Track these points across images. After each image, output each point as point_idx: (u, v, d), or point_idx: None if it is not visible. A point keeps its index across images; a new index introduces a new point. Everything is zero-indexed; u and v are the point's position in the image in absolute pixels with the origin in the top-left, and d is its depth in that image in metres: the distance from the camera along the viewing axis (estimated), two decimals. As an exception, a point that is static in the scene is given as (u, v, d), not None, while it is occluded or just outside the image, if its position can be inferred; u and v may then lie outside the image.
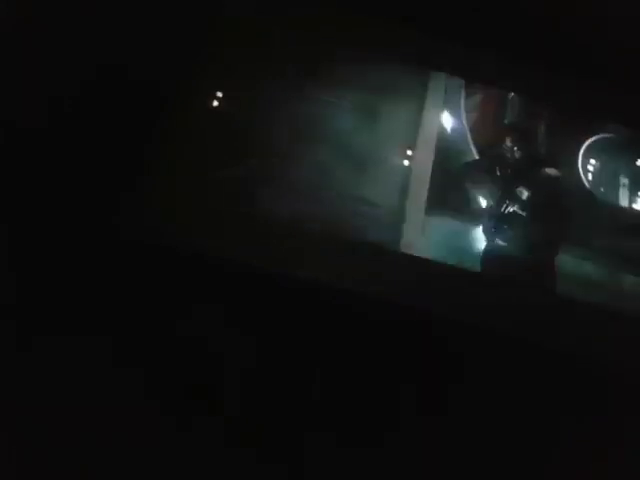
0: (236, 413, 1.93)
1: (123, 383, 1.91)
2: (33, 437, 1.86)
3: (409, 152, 2.31)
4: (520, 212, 2.27)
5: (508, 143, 2.33)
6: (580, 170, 2.42)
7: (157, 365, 1.93)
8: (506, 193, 2.29)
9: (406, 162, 2.31)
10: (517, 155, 2.33)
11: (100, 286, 1.94)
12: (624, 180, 2.43)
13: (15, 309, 1.91)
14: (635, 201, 2.39)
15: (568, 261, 2.22)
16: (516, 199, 2.27)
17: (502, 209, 2.28)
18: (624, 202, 2.41)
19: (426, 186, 2.25)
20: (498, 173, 2.32)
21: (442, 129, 2.38)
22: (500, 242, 2.25)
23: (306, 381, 1.94)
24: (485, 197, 2.32)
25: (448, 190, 2.30)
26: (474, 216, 2.30)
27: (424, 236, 2.21)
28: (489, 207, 2.30)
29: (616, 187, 2.43)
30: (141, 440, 1.88)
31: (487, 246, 2.25)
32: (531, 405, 1.93)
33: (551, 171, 2.29)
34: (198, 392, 1.93)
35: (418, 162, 2.30)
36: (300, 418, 1.93)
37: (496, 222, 2.25)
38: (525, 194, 2.28)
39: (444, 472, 1.90)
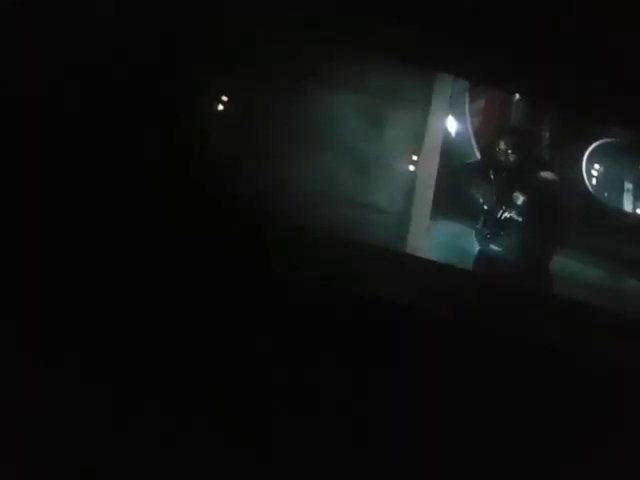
0: (236, 413, 1.93)
1: (122, 382, 1.92)
2: (32, 435, 1.87)
3: (415, 157, 2.32)
4: (516, 217, 2.26)
5: (502, 146, 2.33)
6: (584, 174, 2.42)
7: (158, 363, 1.94)
8: (502, 198, 2.29)
9: (412, 167, 2.32)
10: (512, 158, 2.33)
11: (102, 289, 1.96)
12: (628, 185, 2.42)
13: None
14: (639, 205, 2.39)
15: (570, 265, 2.22)
16: (512, 204, 2.27)
17: (498, 215, 2.28)
18: (628, 207, 2.40)
19: (431, 190, 2.26)
20: (492, 177, 2.32)
21: (447, 133, 2.39)
22: (495, 247, 2.25)
23: (307, 380, 1.94)
24: (481, 200, 2.32)
25: (453, 194, 2.31)
26: (476, 219, 2.31)
27: (429, 238, 2.21)
28: (484, 212, 2.30)
29: (620, 191, 2.43)
30: (141, 439, 1.89)
31: (480, 251, 2.25)
32: (530, 403, 1.92)
33: (547, 175, 2.29)
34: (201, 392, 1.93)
35: (423, 167, 2.30)
36: (300, 418, 1.93)
37: (491, 228, 2.25)
38: (521, 199, 2.27)
39: (444, 470, 1.89)
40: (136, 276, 1.95)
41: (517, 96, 2.35)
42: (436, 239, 2.24)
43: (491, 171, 2.34)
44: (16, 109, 1.93)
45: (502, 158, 2.33)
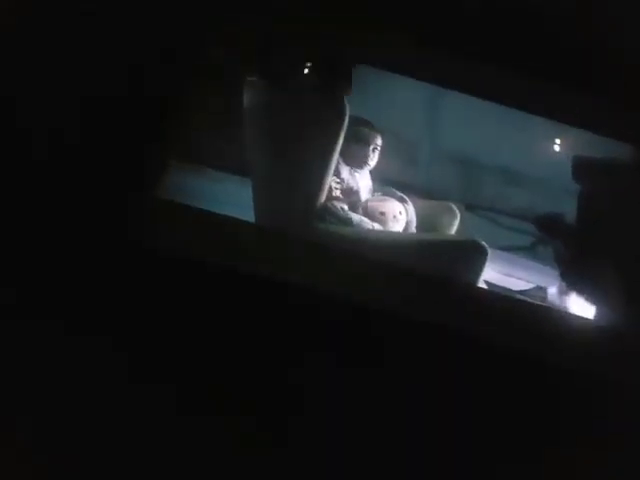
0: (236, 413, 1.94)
1: (124, 383, 1.92)
2: (33, 434, 1.87)
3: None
4: None
5: None
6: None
7: (159, 363, 1.94)
8: None
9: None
10: None
11: (107, 286, 1.93)
12: None
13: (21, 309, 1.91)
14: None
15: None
16: None
17: None
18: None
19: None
20: None
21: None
22: None
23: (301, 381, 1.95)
24: None
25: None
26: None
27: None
28: None
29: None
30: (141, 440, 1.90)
31: None
32: (531, 412, 1.97)
33: None
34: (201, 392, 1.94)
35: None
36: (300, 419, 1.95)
37: None
38: None
39: (444, 472, 1.95)
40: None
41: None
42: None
43: None
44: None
45: None
